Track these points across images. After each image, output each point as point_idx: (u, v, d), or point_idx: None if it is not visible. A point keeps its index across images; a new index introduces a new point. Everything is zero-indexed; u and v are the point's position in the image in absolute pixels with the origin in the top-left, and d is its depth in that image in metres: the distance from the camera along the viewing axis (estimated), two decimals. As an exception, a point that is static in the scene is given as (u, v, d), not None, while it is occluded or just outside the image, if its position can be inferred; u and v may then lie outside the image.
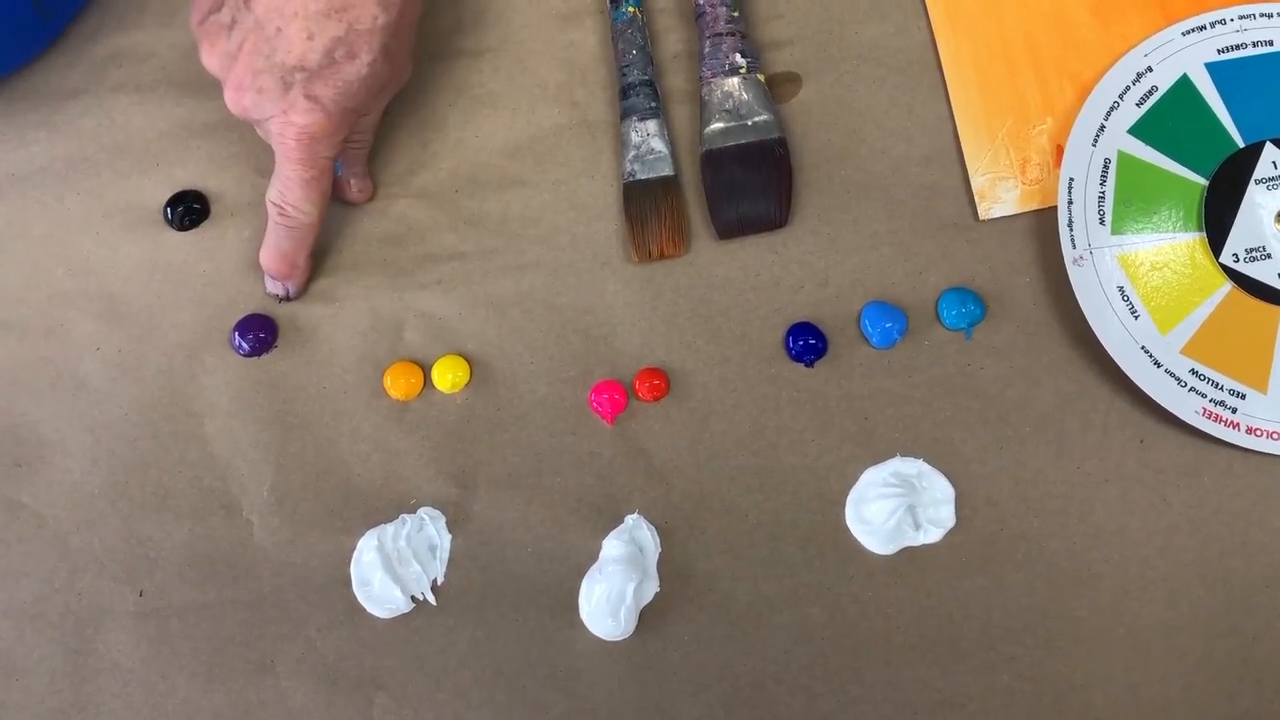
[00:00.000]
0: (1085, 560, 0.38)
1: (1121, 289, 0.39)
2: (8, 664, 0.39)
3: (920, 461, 0.39)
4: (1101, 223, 0.40)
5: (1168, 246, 0.40)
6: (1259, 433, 0.38)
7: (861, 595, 0.38)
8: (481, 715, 0.38)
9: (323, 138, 0.39)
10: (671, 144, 0.42)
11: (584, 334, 0.41)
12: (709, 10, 0.43)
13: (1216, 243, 0.40)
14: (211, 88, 0.45)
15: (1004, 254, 0.41)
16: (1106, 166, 0.40)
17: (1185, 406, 0.38)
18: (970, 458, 0.39)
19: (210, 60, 0.39)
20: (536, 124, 0.44)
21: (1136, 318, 0.39)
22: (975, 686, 0.37)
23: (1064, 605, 0.38)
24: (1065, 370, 0.40)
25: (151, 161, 0.44)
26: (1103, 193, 0.40)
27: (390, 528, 0.40)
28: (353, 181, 0.42)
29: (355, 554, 0.39)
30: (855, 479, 0.39)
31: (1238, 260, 0.39)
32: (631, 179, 0.42)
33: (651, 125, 0.42)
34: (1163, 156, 0.41)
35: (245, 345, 0.42)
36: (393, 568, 0.39)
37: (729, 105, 0.42)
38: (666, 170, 0.42)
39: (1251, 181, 0.40)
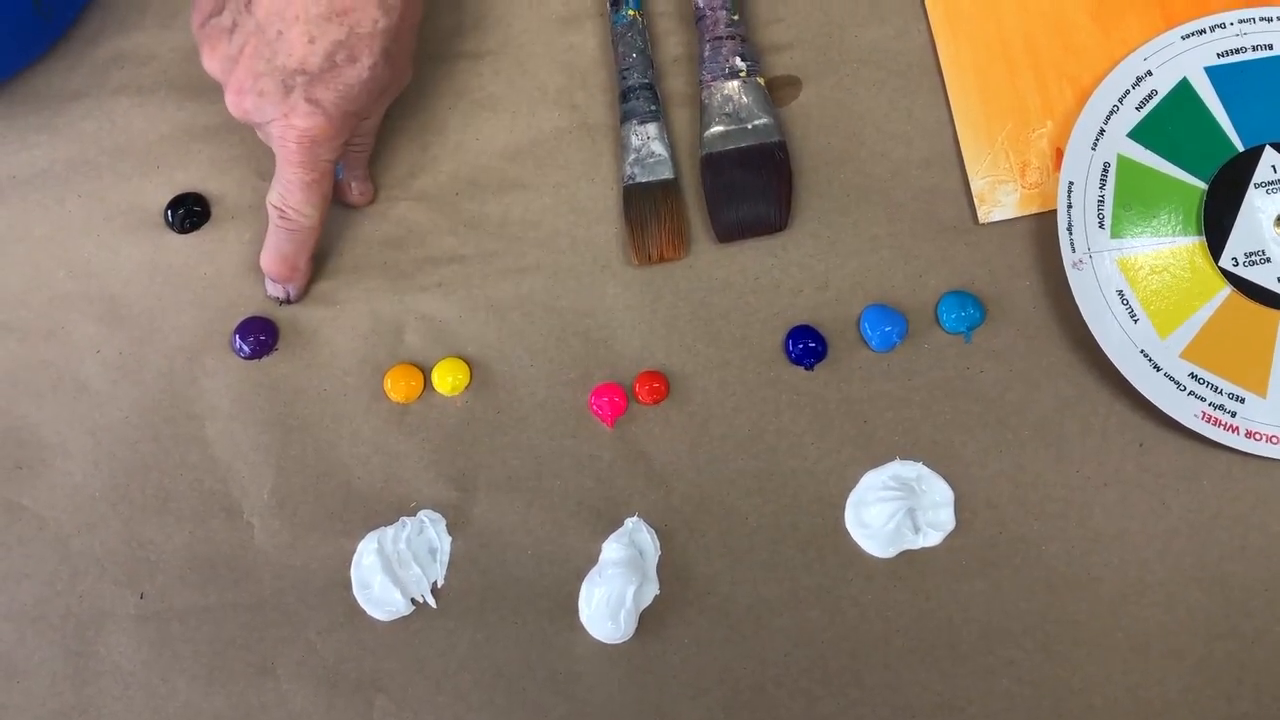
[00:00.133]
0: (1084, 564, 0.38)
1: (1121, 293, 0.39)
2: (9, 666, 0.39)
3: (920, 465, 0.39)
4: (1101, 226, 0.40)
5: (1167, 250, 0.40)
6: (1258, 436, 0.38)
7: (861, 598, 0.38)
8: (481, 718, 0.38)
9: (323, 141, 0.39)
10: (671, 147, 0.43)
11: (584, 337, 0.41)
12: (709, 14, 0.43)
13: (1216, 246, 0.40)
14: (212, 91, 0.45)
15: (1003, 257, 0.41)
16: (1106, 170, 0.41)
17: (1185, 410, 0.38)
18: (970, 461, 0.39)
19: (211, 64, 0.39)
20: (537, 127, 0.44)
21: (1136, 321, 0.39)
22: (974, 690, 0.37)
23: (1063, 608, 0.38)
24: (1065, 374, 0.40)
25: (152, 164, 0.44)
26: (1102, 196, 0.40)
27: (390, 530, 0.40)
28: (354, 184, 0.43)
29: (355, 557, 0.39)
30: (855, 482, 0.39)
31: (1237, 264, 0.39)
32: (631, 182, 0.42)
33: (651, 128, 0.42)
34: (1162, 160, 0.41)
35: (246, 348, 0.42)
36: (393, 570, 0.39)
37: (729, 109, 0.42)
38: (666, 173, 0.42)
39: (1251, 185, 0.40)
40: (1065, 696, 0.37)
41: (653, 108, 0.42)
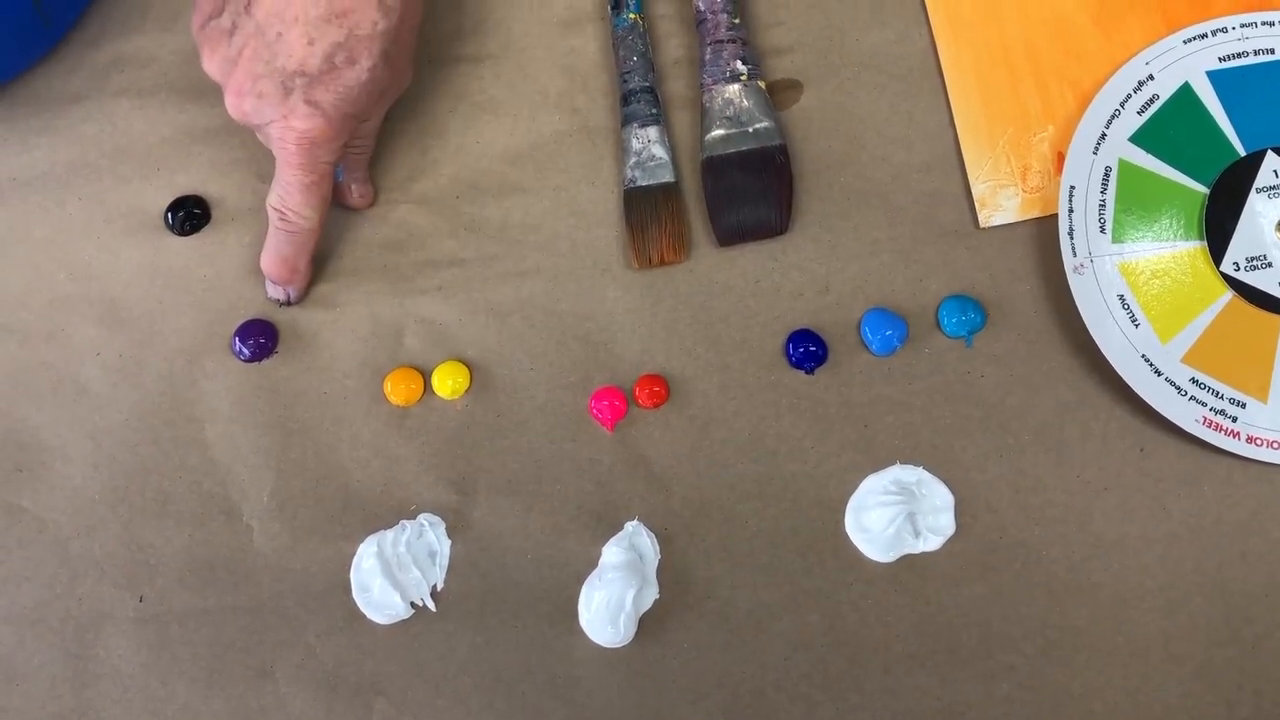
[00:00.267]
0: (1085, 569, 0.38)
1: (1122, 297, 0.39)
2: (8, 669, 0.39)
3: (920, 469, 0.39)
4: (1102, 231, 0.40)
5: (1168, 255, 0.40)
6: (1259, 442, 0.38)
7: (861, 603, 0.38)
8: (481, 722, 0.38)
9: (323, 143, 0.39)
10: (672, 150, 0.42)
11: (584, 340, 0.41)
12: (710, 17, 0.43)
13: (1217, 251, 0.40)
14: (212, 94, 0.45)
15: (1004, 262, 0.41)
16: (1107, 174, 0.40)
17: (1185, 415, 0.38)
18: (970, 465, 0.39)
19: (211, 66, 0.39)
20: (537, 130, 0.44)
21: (1137, 326, 0.39)
22: (974, 695, 0.37)
23: (1063, 614, 0.38)
24: (1065, 378, 0.40)
25: (153, 167, 0.44)
26: (1103, 201, 0.40)
27: (390, 534, 0.40)
28: (354, 187, 0.43)
29: (355, 560, 0.39)
30: (855, 486, 0.39)
31: (1238, 269, 0.39)
32: (632, 185, 0.42)
33: (652, 132, 0.42)
34: (1164, 165, 0.41)
35: (246, 351, 0.42)
36: (392, 574, 0.39)
37: (730, 112, 0.42)
38: (667, 177, 0.42)
39: (1252, 190, 0.40)
40: (1065, 702, 0.37)
41: (653, 111, 0.42)
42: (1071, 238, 0.40)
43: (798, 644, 0.38)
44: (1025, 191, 0.42)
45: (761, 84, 0.42)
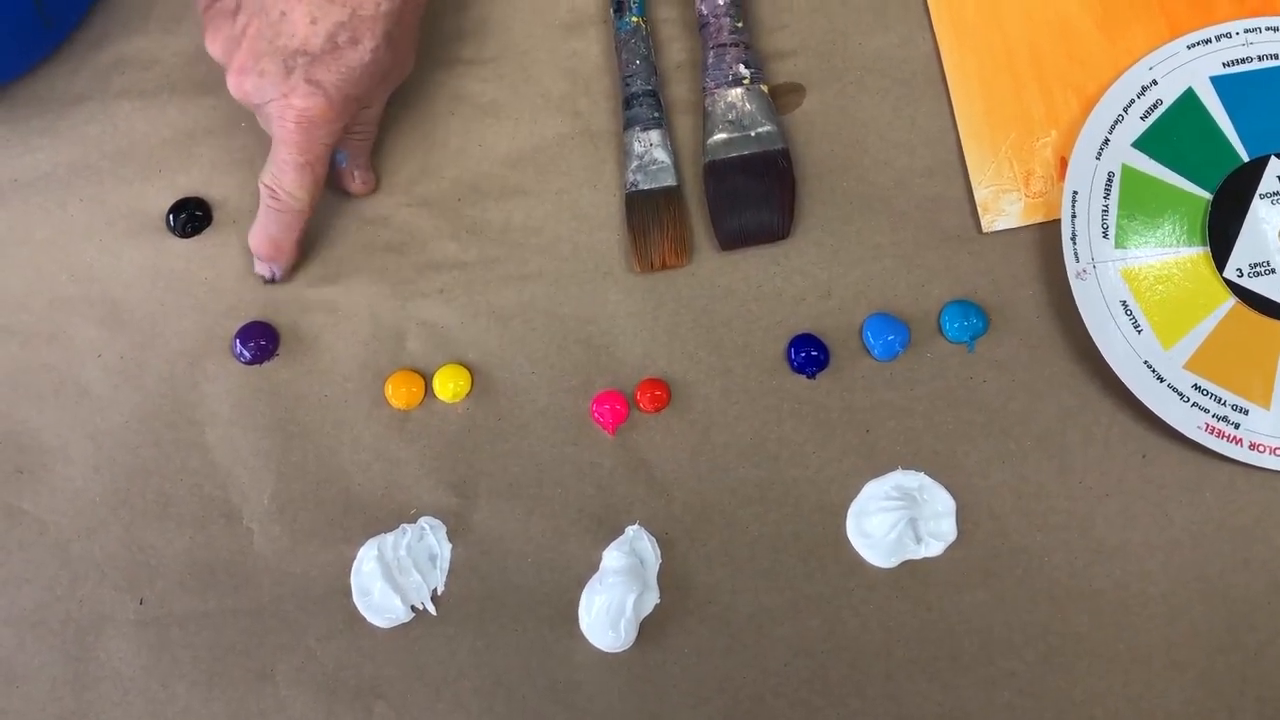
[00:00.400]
0: (1086, 575, 0.38)
1: (1124, 303, 0.39)
2: (8, 671, 0.39)
3: (922, 474, 0.39)
4: (1105, 236, 0.40)
5: (1171, 261, 0.40)
6: (1261, 448, 0.38)
7: (862, 608, 0.38)
8: (481, 726, 0.38)
9: (322, 124, 0.39)
10: (674, 154, 0.42)
11: (585, 344, 0.41)
12: (713, 21, 0.43)
13: (1220, 257, 0.39)
14: (215, 95, 0.45)
15: (1007, 267, 0.41)
16: (1110, 180, 0.40)
17: (1188, 421, 0.38)
18: (972, 471, 0.39)
19: (214, 46, 0.40)
20: (539, 133, 0.44)
21: (1139, 332, 0.39)
22: (975, 701, 0.37)
23: (1065, 620, 0.38)
24: (1068, 384, 0.40)
25: (154, 168, 0.44)
26: (1106, 206, 0.40)
27: (390, 537, 0.40)
28: (356, 174, 0.42)
29: (355, 563, 0.39)
30: (856, 491, 0.39)
31: (1241, 275, 0.39)
32: (634, 189, 0.42)
33: (654, 135, 0.42)
34: (1167, 170, 0.40)
35: (246, 353, 0.42)
36: (393, 577, 0.39)
37: (732, 116, 0.42)
38: (669, 180, 0.42)
39: (1256, 196, 0.40)
40: (1067, 708, 0.37)
41: (656, 115, 0.42)
42: (1074, 243, 0.40)
43: (798, 649, 0.38)
44: (1028, 196, 0.41)
45: (764, 88, 0.42)
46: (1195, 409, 0.38)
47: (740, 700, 0.38)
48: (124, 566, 0.40)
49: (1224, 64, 0.41)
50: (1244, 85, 0.41)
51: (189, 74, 0.45)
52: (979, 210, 0.41)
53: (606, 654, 0.38)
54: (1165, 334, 0.39)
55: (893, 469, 0.39)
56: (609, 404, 0.40)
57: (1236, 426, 0.38)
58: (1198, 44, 0.42)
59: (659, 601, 0.38)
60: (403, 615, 0.39)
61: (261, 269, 0.42)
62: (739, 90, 0.42)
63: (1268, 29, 0.42)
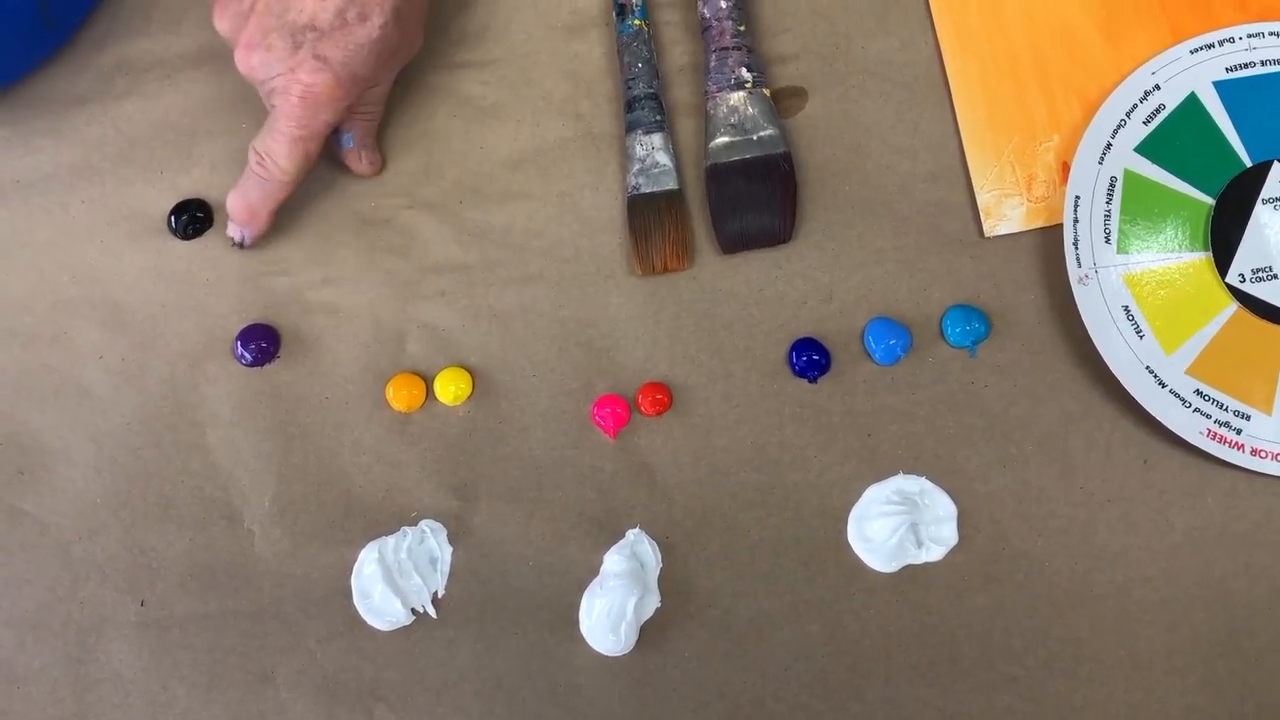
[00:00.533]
0: (1087, 580, 0.38)
1: (1126, 308, 0.39)
2: (9, 673, 0.39)
3: (923, 479, 0.39)
4: (1107, 241, 0.40)
5: (1173, 266, 0.40)
6: (1263, 454, 0.38)
7: (863, 613, 0.38)
8: (481, 729, 0.38)
9: (326, 101, 0.39)
10: (676, 157, 0.42)
11: (587, 347, 0.41)
12: (715, 24, 0.43)
13: (1223, 262, 0.39)
14: (217, 98, 0.45)
15: (1009, 271, 0.41)
16: (1113, 185, 0.40)
17: (1189, 427, 0.38)
18: (973, 476, 0.39)
19: (221, 21, 0.40)
20: (541, 136, 0.44)
21: (1141, 337, 0.39)
22: (975, 706, 0.37)
23: (1065, 625, 0.38)
24: (1069, 389, 0.40)
25: (156, 170, 0.44)
26: (1109, 211, 0.40)
27: (391, 540, 0.40)
28: (363, 154, 0.43)
29: (356, 566, 0.39)
30: (858, 496, 0.39)
31: (1244, 280, 0.39)
32: (636, 192, 0.42)
33: (656, 139, 0.42)
34: (1169, 175, 0.40)
35: (247, 355, 0.42)
36: (393, 580, 0.39)
37: (734, 119, 0.42)
38: (671, 184, 0.42)
39: (1259, 201, 0.40)
40: (1067, 714, 0.37)
41: (658, 118, 0.42)
42: (1076, 248, 0.40)
43: (799, 653, 0.38)
44: (1030, 201, 0.41)
45: (766, 91, 0.42)
46: (1197, 414, 0.38)
47: (740, 704, 0.37)
48: (125, 568, 0.40)
49: (1227, 69, 0.41)
50: (1247, 90, 0.41)
51: (191, 75, 0.45)
52: (981, 215, 0.41)
53: (607, 658, 0.38)
54: (1167, 339, 0.39)
55: (894, 473, 0.39)
56: (610, 407, 0.40)
57: (1238, 432, 0.38)
58: (1201, 49, 0.42)
59: (659, 605, 0.38)
60: (403, 618, 0.39)
61: (233, 232, 0.42)
62: (741, 94, 0.42)
63: (1271, 34, 0.42)
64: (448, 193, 0.43)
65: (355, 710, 0.38)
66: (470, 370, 0.41)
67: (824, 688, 0.37)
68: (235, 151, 0.44)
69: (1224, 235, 0.40)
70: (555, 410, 0.41)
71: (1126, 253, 0.40)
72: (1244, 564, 0.38)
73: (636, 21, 0.43)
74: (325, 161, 0.43)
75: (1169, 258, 0.40)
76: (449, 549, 0.40)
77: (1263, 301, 0.39)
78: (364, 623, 0.39)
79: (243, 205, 0.41)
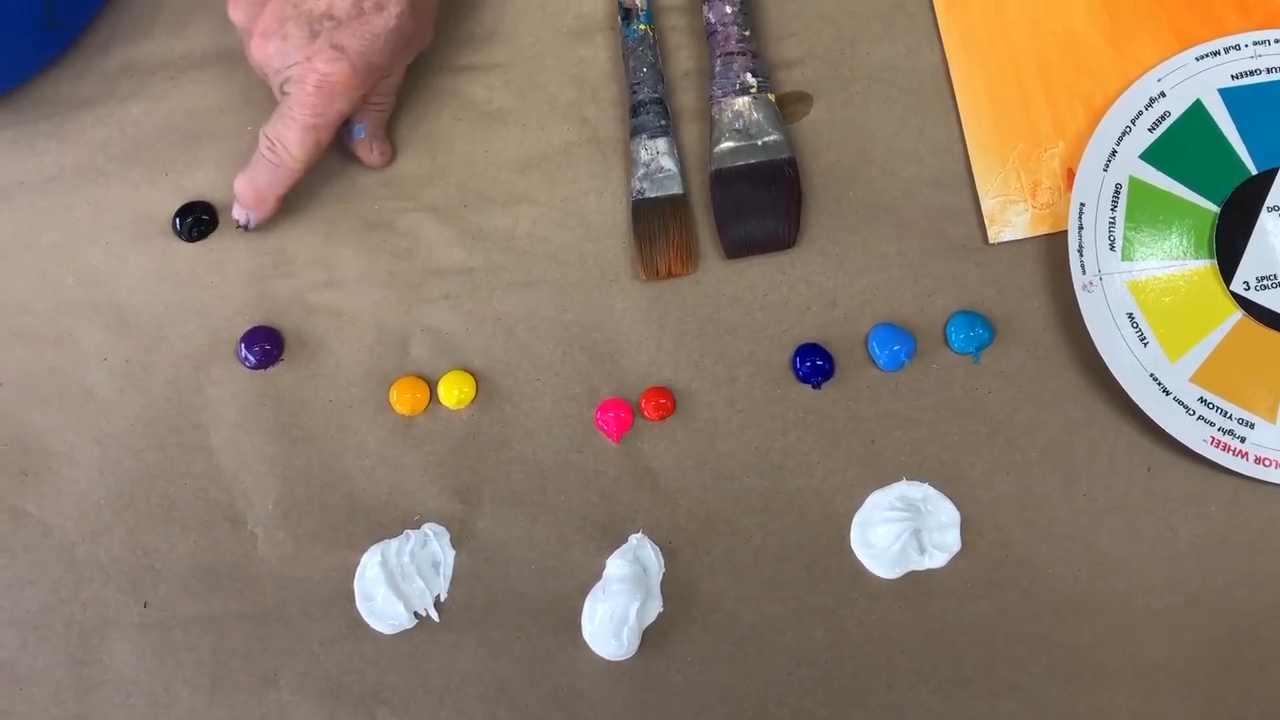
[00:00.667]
0: (1090, 588, 0.38)
1: (1131, 315, 0.39)
2: (12, 673, 0.39)
3: (926, 485, 0.39)
4: (1112, 248, 0.40)
5: (1178, 273, 0.40)
6: (1268, 462, 0.38)
7: (865, 619, 0.38)
8: (483, 733, 0.38)
9: (341, 91, 0.39)
10: (681, 162, 0.42)
11: (590, 351, 0.41)
12: (720, 29, 0.42)
13: (1227, 270, 0.39)
14: (222, 100, 0.45)
15: (1013, 278, 0.41)
16: (1118, 192, 0.40)
17: (1193, 435, 0.38)
18: (976, 482, 0.39)
19: (237, 12, 0.40)
20: (546, 140, 0.44)
21: (1145, 344, 0.39)
22: (978, 713, 0.37)
23: (1068, 633, 0.38)
24: (1073, 396, 0.40)
25: (161, 172, 0.44)
26: (1113, 218, 0.40)
27: (394, 543, 0.40)
28: (374, 145, 0.43)
29: (359, 569, 0.39)
30: (861, 502, 0.39)
31: (1249, 288, 0.39)
32: (640, 197, 0.42)
33: (661, 143, 0.42)
34: (1174, 182, 0.40)
35: (251, 357, 0.42)
36: (396, 583, 0.39)
37: (739, 124, 0.42)
38: (675, 189, 0.42)
39: (1264, 209, 0.40)
40: (1069, 721, 0.37)
41: (663, 122, 0.42)
42: (1081, 255, 0.40)
43: (801, 659, 0.38)
44: (1035, 208, 0.41)
45: (771, 97, 0.42)
46: (1201, 422, 0.38)
47: (743, 710, 0.37)
48: (128, 570, 0.40)
49: (1232, 76, 0.41)
50: (1252, 98, 0.41)
51: (196, 77, 0.45)
52: (986, 221, 0.41)
53: (609, 662, 0.38)
54: (1172, 347, 0.39)
55: (897, 479, 0.39)
56: (614, 412, 0.40)
57: (1242, 440, 0.38)
58: (1206, 56, 0.42)
59: (662, 610, 0.38)
60: (406, 621, 0.39)
61: (238, 214, 0.42)
62: (746, 99, 0.42)
63: (1276, 41, 0.42)
64: (452, 196, 0.43)
65: (358, 713, 0.38)
66: (474, 374, 0.41)
67: (826, 693, 0.37)
68: (240, 153, 0.44)
69: (1229, 243, 0.40)
70: (559, 414, 0.41)
71: (1131, 260, 0.40)
72: (1247, 572, 0.38)
73: (642, 26, 0.43)
74: (330, 164, 0.43)
75: (1174, 265, 0.40)
76: (452, 552, 0.40)
77: (1267, 309, 0.39)
78: (367, 626, 0.39)
79: (250, 189, 0.41)
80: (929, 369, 0.40)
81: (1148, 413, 0.38)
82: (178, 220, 0.43)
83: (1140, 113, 0.41)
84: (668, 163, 0.42)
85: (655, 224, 0.41)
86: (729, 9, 0.42)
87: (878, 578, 0.38)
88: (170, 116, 0.45)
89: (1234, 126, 0.41)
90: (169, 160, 0.44)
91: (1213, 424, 0.38)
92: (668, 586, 0.39)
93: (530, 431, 0.41)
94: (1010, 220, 0.41)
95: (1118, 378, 0.38)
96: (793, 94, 0.43)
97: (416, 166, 0.44)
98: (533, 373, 0.41)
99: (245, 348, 0.42)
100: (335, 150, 0.43)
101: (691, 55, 0.44)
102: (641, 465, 0.40)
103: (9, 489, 0.41)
